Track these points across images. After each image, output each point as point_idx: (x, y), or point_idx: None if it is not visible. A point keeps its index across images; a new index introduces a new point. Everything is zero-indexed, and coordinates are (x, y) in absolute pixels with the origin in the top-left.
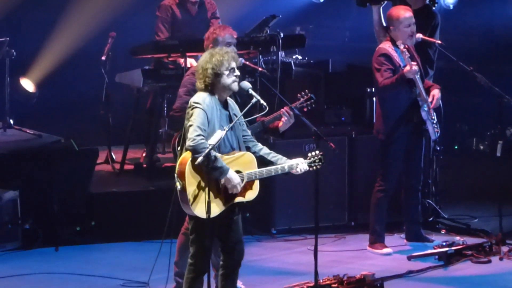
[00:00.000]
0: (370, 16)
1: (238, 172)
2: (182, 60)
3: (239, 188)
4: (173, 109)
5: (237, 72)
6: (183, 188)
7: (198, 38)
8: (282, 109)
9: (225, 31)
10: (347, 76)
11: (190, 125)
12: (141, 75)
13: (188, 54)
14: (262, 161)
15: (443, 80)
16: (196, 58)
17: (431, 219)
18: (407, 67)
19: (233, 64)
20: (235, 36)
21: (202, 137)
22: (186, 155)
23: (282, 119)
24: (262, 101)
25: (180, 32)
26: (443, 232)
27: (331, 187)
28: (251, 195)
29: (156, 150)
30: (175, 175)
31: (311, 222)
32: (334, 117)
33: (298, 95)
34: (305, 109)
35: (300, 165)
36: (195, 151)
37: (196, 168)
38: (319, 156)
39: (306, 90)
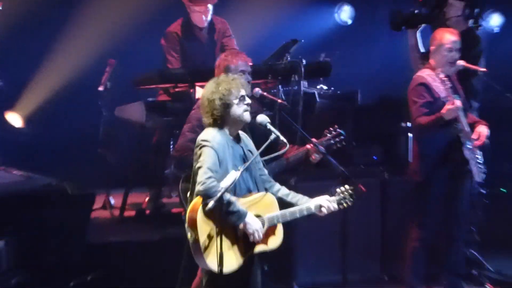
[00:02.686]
0: (405, 41)
1: (257, 216)
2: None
3: (260, 235)
4: (175, 148)
5: (248, 100)
6: (195, 239)
7: (209, 66)
8: (306, 146)
9: (237, 57)
10: (378, 109)
11: (199, 167)
12: (144, 108)
13: (197, 84)
14: (281, 203)
15: (488, 114)
16: None
17: (474, 271)
18: (447, 106)
19: (243, 92)
20: (250, 63)
21: (213, 179)
22: (197, 201)
23: (312, 156)
24: (282, 138)
25: (191, 62)
26: (487, 286)
27: (360, 234)
28: (274, 242)
29: (161, 194)
30: (185, 224)
31: (338, 274)
32: (364, 156)
33: (326, 131)
34: (335, 147)
35: (328, 203)
36: (206, 195)
37: (209, 214)
38: (349, 190)
39: (335, 126)
